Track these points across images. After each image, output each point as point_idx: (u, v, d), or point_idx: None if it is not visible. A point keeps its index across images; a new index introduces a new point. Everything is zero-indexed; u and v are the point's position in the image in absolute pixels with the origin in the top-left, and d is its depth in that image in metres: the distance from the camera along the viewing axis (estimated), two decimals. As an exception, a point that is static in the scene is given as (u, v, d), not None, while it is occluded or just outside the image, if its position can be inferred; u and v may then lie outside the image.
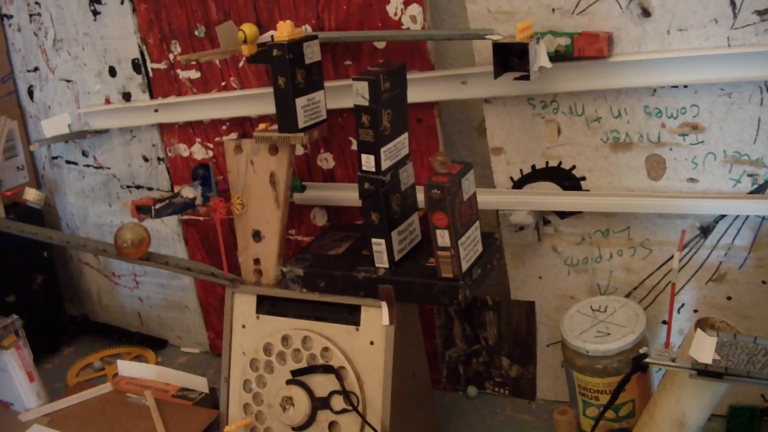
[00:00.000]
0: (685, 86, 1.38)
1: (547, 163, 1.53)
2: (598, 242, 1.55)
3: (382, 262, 1.38)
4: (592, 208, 1.51)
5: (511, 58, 1.35)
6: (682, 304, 1.52)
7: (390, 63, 1.37)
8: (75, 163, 2.04)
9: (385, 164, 1.32)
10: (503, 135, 1.55)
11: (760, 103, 1.35)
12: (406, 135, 1.38)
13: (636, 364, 1.20)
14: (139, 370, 1.72)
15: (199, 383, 1.65)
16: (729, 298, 1.48)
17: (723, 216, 1.43)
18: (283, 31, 1.42)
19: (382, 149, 1.31)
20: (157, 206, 1.53)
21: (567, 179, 1.53)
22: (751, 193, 1.40)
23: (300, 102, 1.44)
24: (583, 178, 1.51)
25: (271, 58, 1.42)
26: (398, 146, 1.35)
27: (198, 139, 1.83)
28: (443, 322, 1.73)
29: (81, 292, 2.22)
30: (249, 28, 1.48)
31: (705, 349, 1.14)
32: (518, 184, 1.57)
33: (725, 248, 1.45)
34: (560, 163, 1.52)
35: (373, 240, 1.37)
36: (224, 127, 1.79)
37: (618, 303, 1.51)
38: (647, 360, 1.19)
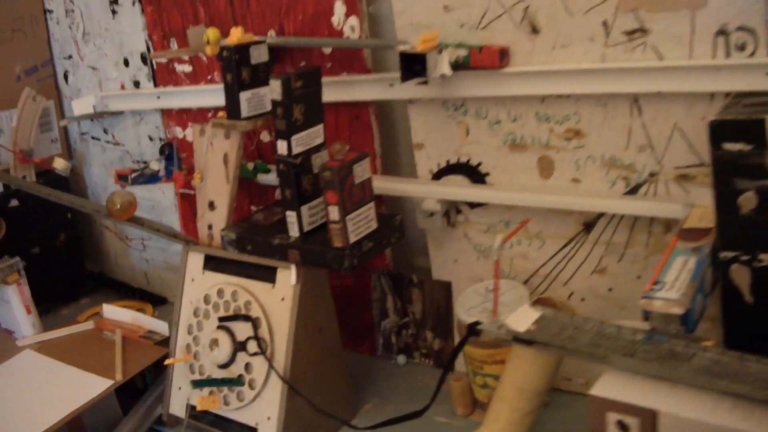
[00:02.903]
0: (568, 96, 1.57)
1: (458, 159, 1.74)
2: (501, 231, 1.74)
3: (293, 231, 1.63)
4: (494, 201, 1.71)
5: (415, 65, 1.58)
6: (572, 292, 1.70)
7: (308, 66, 1.61)
8: (98, 139, 2.38)
9: (296, 149, 1.57)
10: (424, 132, 1.76)
11: (630, 114, 1.52)
12: (320, 127, 1.62)
13: (470, 330, 1.40)
14: (119, 314, 2.02)
15: (163, 327, 1.94)
16: (610, 290, 1.66)
17: (602, 214, 1.61)
18: (234, 36, 1.69)
19: (293, 137, 1.56)
20: (133, 175, 1.84)
21: (474, 174, 1.73)
22: (625, 194, 1.58)
23: (244, 95, 1.70)
24: (488, 174, 1.71)
25: (221, 58, 1.69)
26: (311, 135, 1.60)
27: (190, 123, 2.13)
28: (378, 295, 1.96)
29: (101, 252, 2.56)
30: (212, 32, 1.75)
31: (524, 320, 1.33)
32: (437, 176, 1.78)
33: (605, 243, 1.63)
34: (469, 159, 1.73)
35: (287, 212, 1.62)
36: (210, 114, 2.08)
37: (509, 286, 1.71)
38: (479, 327, 1.39)
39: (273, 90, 1.54)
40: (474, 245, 1.78)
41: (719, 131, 1.25)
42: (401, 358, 1.97)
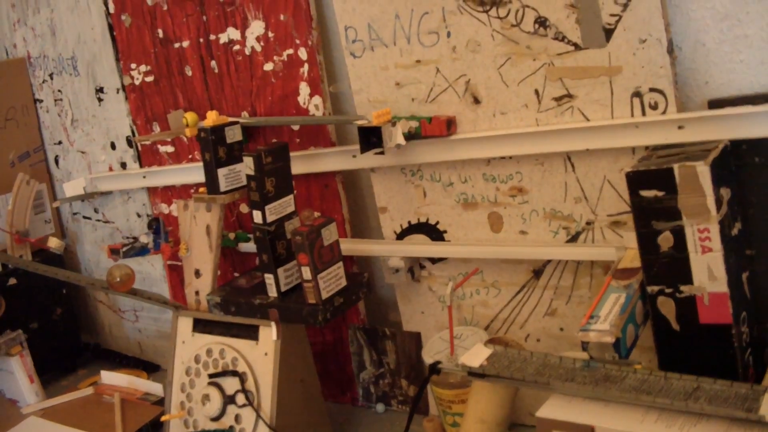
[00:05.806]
0: (510, 157, 1.76)
1: (418, 219, 1.92)
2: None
3: (272, 292, 1.80)
4: (453, 255, 1.88)
5: (371, 138, 1.77)
6: (528, 334, 1.87)
7: (277, 143, 1.80)
8: (89, 218, 2.56)
9: (270, 218, 1.75)
10: (386, 197, 1.95)
11: (565, 170, 1.71)
12: (291, 197, 1.80)
13: (431, 368, 1.56)
14: (116, 379, 2.17)
15: (158, 389, 2.09)
16: (561, 329, 1.82)
17: (549, 261, 1.79)
18: (210, 119, 1.88)
19: (267, 207, 1.74)
20: (124, 249, 2.01)
21: (434, 232, 1.91)
22: (567, 242, 1.76)
23: (222, 171, 1.88)
24: (445, 231, 1.90)
25: (200, 139, 1.88)
26: (283, 205, 1.78)
27: (174, 200, 2.31)
28: (355, 349, 2.12)
29: (96, 324, 2.71)
30: (191, 116, 1.95)
31: (477, 357, 1.50)
32: (400, 236, 1.96)
33: (554, 288, 1.80)
34: (428, 219, 1.91)
35: (265, 275, 1.79)
36: (192, 191, 2.26)
37: (471, 332, 1.88)
38: (440, 366, 1.56)
39: (246, 166, 1.73)
40: (438, 297, 1.95)
41: (635, 180, 1.44)
42: (380, 407, 2.12)
